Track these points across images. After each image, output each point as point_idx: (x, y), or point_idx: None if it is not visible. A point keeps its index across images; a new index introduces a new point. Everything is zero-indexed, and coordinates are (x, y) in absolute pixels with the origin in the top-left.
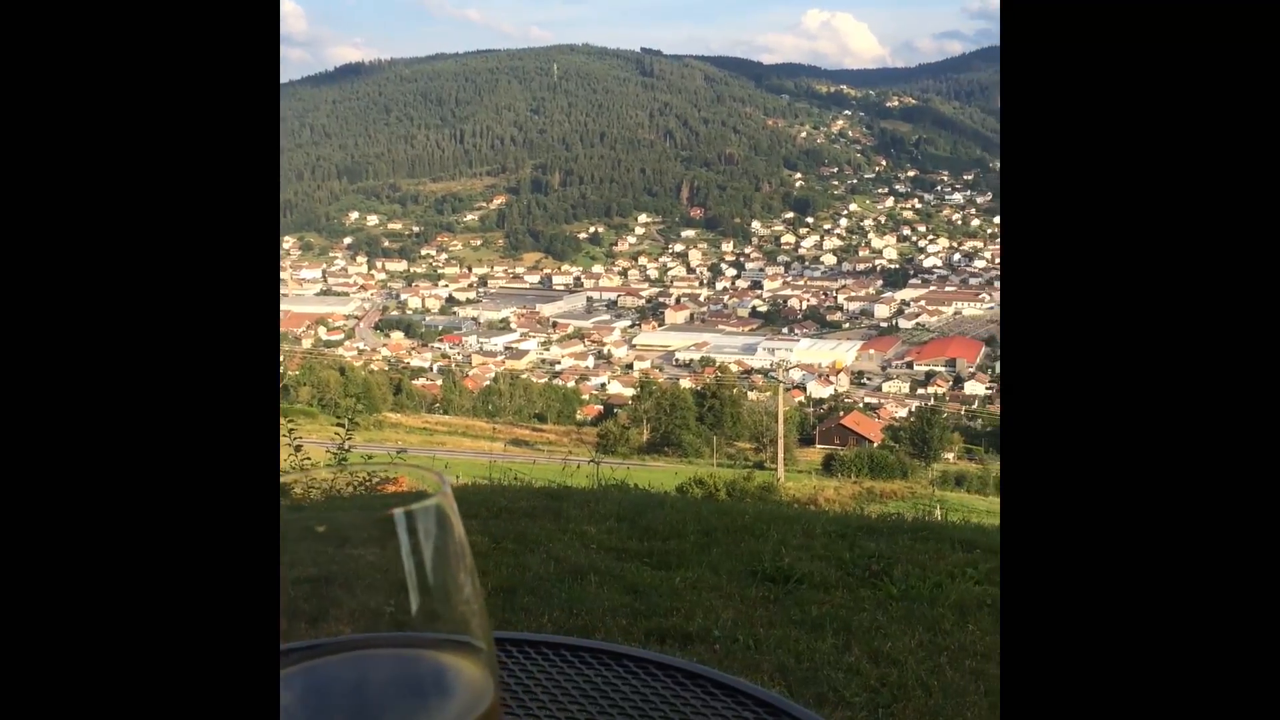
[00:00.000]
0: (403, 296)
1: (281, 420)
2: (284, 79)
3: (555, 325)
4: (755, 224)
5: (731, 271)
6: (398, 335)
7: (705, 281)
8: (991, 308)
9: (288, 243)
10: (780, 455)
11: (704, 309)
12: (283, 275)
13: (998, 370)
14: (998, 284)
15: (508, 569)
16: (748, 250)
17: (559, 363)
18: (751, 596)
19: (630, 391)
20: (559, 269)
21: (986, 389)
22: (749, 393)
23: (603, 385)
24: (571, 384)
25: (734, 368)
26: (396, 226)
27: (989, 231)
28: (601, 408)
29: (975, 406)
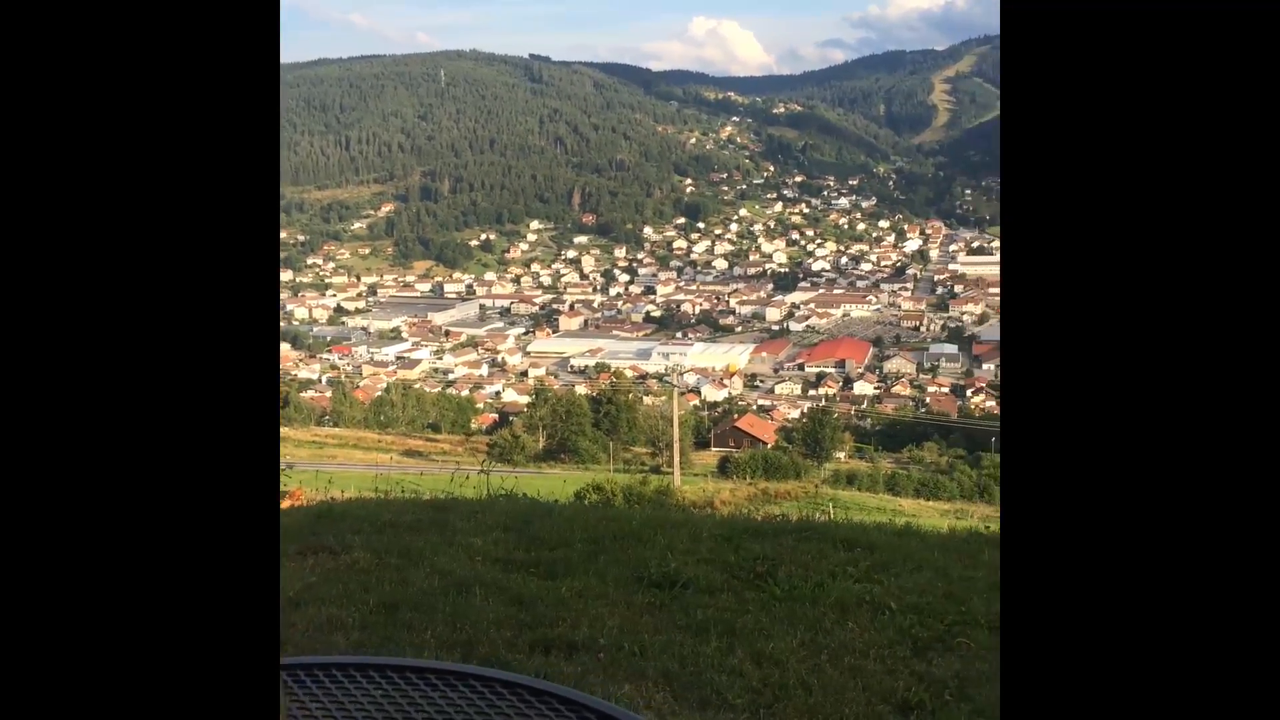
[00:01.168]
0: (289, 307)
1: None
2: None
3: (448, 334)
4: (647, 230)
5: (625, 277)
6: (284, 347)
7: (599, 287)
8: (878, 309)
9: None
10: (676, 459)
11: (598, 315)
12: None
13: (884, 370)
14: (884, 286)
15: (390, 585)
16: (640, 256)
17: (452, 371)
18: (638, 603)
19: (525, 399)
20: (450, 277)
21: (875, 389)
22: (644, 397)
23: (497, 393)
24: (466, 393)
25: (629, 373)
26: (281, 235)
27: (874, 235)
28: (496, 416)
29: (864, 406)
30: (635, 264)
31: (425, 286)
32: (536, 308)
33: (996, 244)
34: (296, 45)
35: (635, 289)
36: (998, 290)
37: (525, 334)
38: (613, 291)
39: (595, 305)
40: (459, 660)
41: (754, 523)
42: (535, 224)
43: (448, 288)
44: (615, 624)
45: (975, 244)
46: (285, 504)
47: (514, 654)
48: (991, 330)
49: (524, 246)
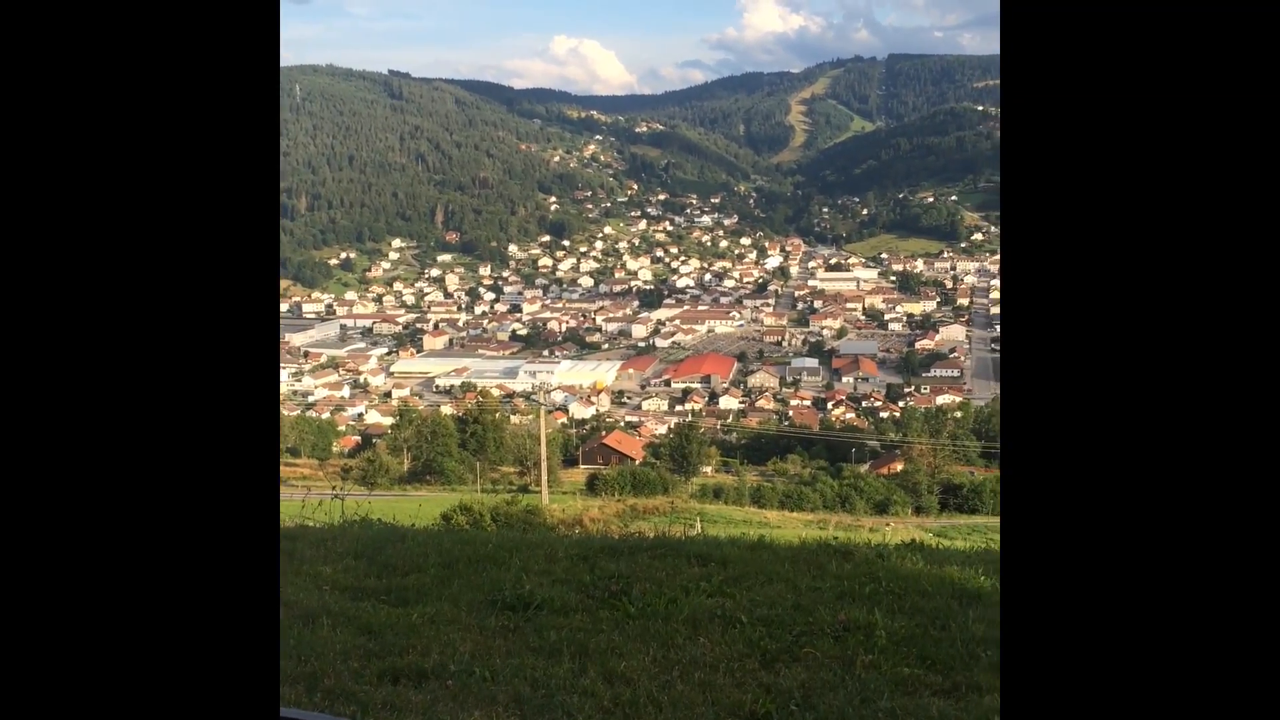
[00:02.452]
0: None
1: None
2: None
3: (307, 355)
4: (512, 247)
5: (490, 295)
6: None
7: (463, 306)
8: (741, 325)
9: None
10: (544, 478)
11: (463, 334)
12: None
13: (748, 385)
14: (746, 302)
15: None
16: (505, 274)
17: (312, 394)
18: (491, 627)
19: (389, 420)
20: (309, 296)
21: (739, 403)
22: (511, 416)
23: (360, 415)
24: (327, 415)
25: (496, 392)
26: None
27: (736, 252)
28: (359, 438)
29: (730, 420)
30: (500, 282)
31: (283, 306)
32: (400, 327)
33: (853, 260)
34: None
35: (501, 307)
36: (855, 305)
37: (388, 354)
38: (478, 310)
39: (460, 324)
40: (303, 694)
41: (610, 541)
42: (397, 242)
43: (306, 307)
44: (467, 649)
45: (833, 260)
46: None
47: (361, 685)
48: (849, 344)
49: (386, 265)
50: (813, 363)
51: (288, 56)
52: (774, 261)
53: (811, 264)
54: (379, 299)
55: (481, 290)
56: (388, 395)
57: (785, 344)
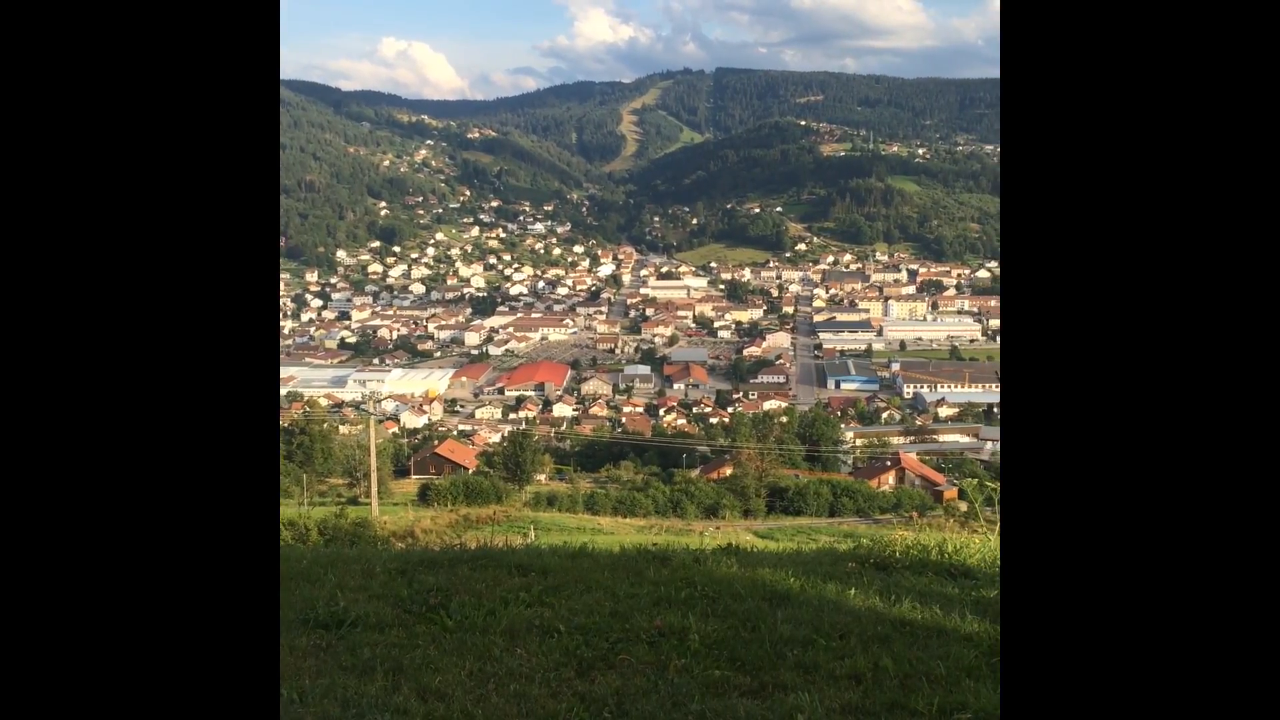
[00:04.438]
0: None
1: None
2: None
3: None
4: (341, 253)
5: (317, 302)
6: None
7: (289, 313)
8: (575, 332)
9: None
10: (374, 489)
11: (289, 342)
12: None
13: (582, 392)
14: (580, 310)
15: None
16: (334, 280)
17: None
18: (301, 646)
19: None
20: None
21: (573, 410)
22: (340, 427)
23: None
24: None
25: (324, 401)
26: None
27: (569, 260)
28: None
29: (564, 428)
30: (328, 288)
31: None
32: None
33: (684, 268)
34: None
35: (329, 314)
36: (686, 313)
37: None
38: (305, 317)
39: (286, 331)
40: None
41: (431, 553)
42: None
43: None
44: None
45: (664, 269)
46: None
47: None
48: (680, 352)
49: None
50: (645, 369)
51: None
52: (607, 269)
53: (643, 272)
54: None
55: (308, 297)
56: None
57: (618, 351)
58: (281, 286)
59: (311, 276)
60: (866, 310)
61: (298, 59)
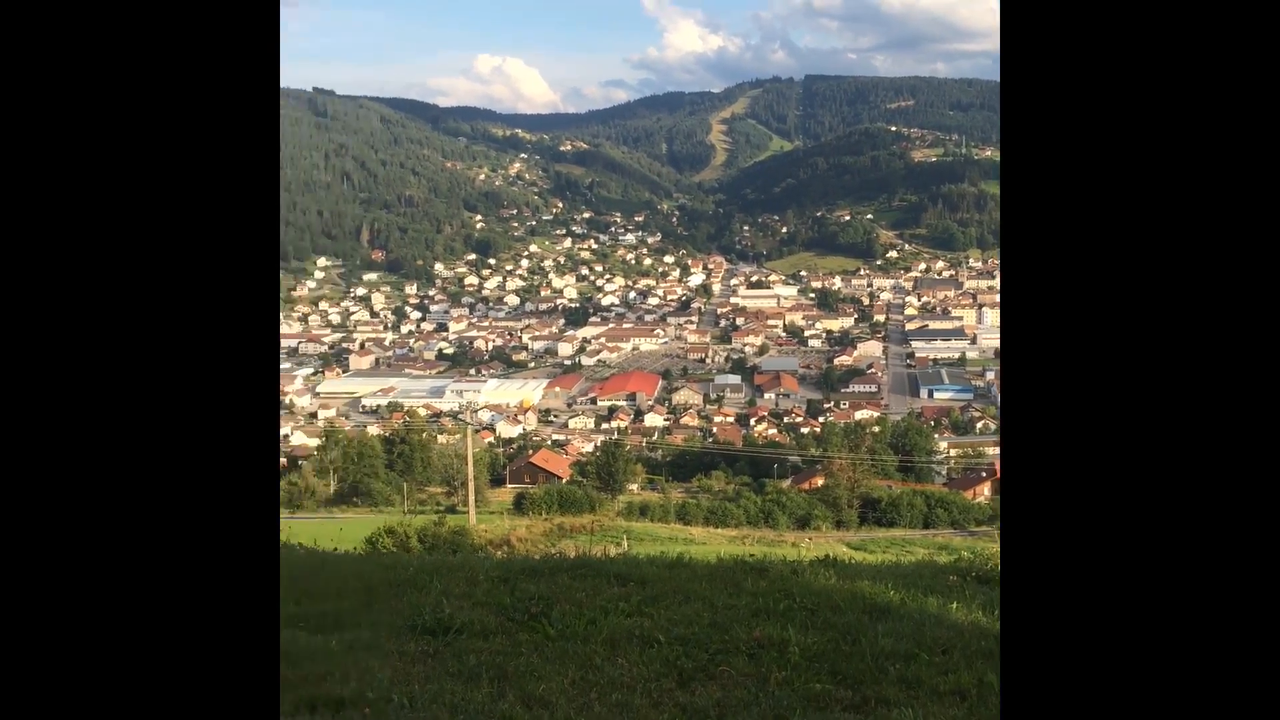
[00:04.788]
0: None
1: None
2: None
3: None
4: (438, 266)
5: (416, 314)
6: None
7: (390, 325)
8: (665, 342)
9: None
10: (471, 498)
11: (390, 353)
12: None
13: (673, 402)
14: (670, 320)
15: None
16: (432, 292)
17: None
18: (410, 652)
19: (315, 442)
20: None
21: (664, 420)
22: (439, 436)
23: (285, 436)
24: None
25: (422, 411)
26: None
27: (659, 270)
28: (285, 460)
29: (655, 438)
30: (427, 301)
31: None
32: (325, 347)
33: (774, 277)
34: None
35: (427, 326)
36: (776, 322)
37: (314, 374)
38: (404, 329)
39: (387, 343)
40: None
41: (531, 562)
42: (323, 261)
43: None
44: (386, 675)
45: (754, 278)
46: None
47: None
48: (770, 361)
49: (311, 284)
50: (735, 379)
51: None
52: (697, 279)
53: (733, 281)
54: (304, 318)
55: (408, 309)
56: (313, 416)
57: (709, 361)
58: (382, 299)
59: (411, 289)
60: (960, 318)
61: (398, 78)
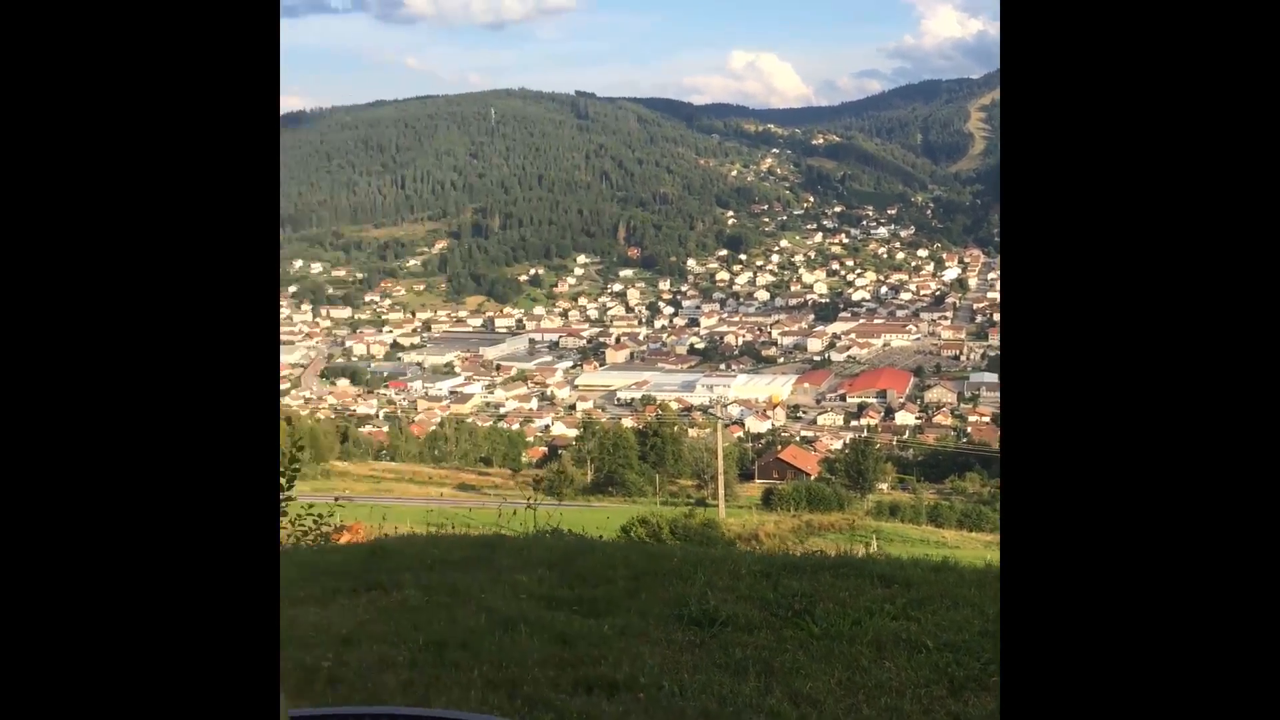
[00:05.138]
0: (348, 343)
1: None
2: None
3: (499, 368)
4: (690, 262)
5: (669, 309)
6: (343, 382)
7: (644, 320)
8: (918, 338)
9: None
10: (720, 491)
11: (643, 348)
12: None
13: (925, 400)
14: (923, 315)
15: (439, 624)
16: (684, 288)
17: (503, 405)
18: (678, 641)
19: (573, 432)
20: (501, 311)
21: (916, 419)
22: (689, 430)
23: (546, 427)
24: (516, 426)
25: (674, 405)
26: (340, 274)
27: (913, 264)
28: (546, 449)
29: (906, 436)
30: (679, 296)
31: (477, 321)
32: (584, 341)
33: None
34: (353, 88)
35: (679, 321)
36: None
37: (573, 367)
38: (657, 324)
39: (641, 338)
40: (505, 699)
41: (793, 558)
42: (582, 258)
43: (498, 322)
44: (656, 662)
45: None
46: (345, 538)
47: (558, 693)
48: None
49: (571, 280)
50: (992, 378)
51: (484, 82)
52: (952, 273)
53: (991, 275)
54: (565, 314)
55: (661, 304)
56: (572, 408)
57: (963, 358)
58: (636, 295)
59: (664, 285)
60: None
61: (652, 79)
